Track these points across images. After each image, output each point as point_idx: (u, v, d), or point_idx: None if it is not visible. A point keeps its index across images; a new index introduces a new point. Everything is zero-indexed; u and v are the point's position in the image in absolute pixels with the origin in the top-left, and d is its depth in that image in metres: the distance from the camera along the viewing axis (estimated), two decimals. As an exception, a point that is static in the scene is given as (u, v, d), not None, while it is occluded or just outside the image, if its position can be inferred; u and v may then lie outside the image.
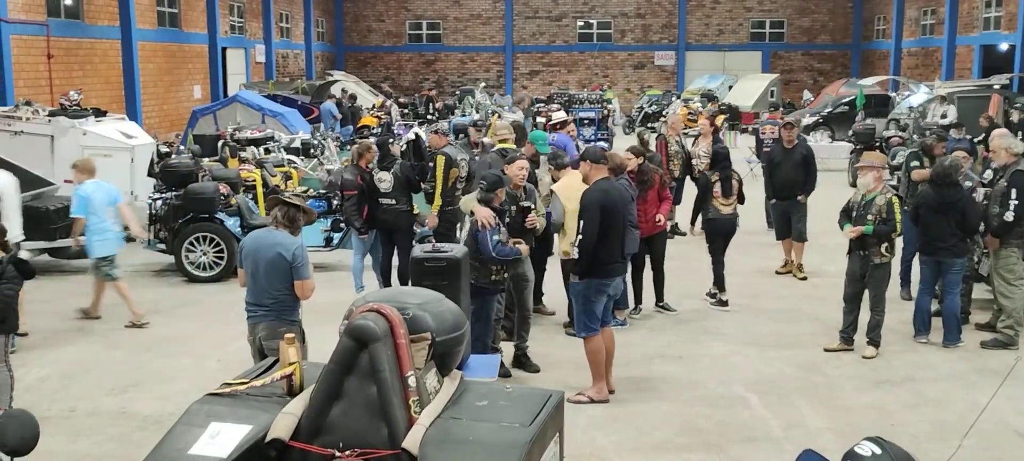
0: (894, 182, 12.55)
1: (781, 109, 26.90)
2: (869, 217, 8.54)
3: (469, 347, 4.27)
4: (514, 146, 10.85)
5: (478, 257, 7.50)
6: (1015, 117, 21.30)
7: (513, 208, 8.09)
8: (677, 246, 13.97)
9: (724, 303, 10.53)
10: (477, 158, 11.20)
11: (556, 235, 9.22)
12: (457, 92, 35.97)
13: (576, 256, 8.79)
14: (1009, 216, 8.76)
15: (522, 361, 8.45)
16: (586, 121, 25.05)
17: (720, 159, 10.76)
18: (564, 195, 8.81)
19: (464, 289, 6.74)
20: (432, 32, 46.19)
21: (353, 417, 3.60)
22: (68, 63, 23.14)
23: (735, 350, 9.00)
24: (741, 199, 10.76)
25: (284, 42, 39.42)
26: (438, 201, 10.32)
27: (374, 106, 29.12)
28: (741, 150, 22.41)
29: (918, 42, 37.47)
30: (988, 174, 10.05)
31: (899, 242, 8.86)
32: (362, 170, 10.48)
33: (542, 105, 27.33)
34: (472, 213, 7.73)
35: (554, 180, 9.48)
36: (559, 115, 15.41)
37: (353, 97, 29.14)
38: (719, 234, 10.58)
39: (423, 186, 10.73)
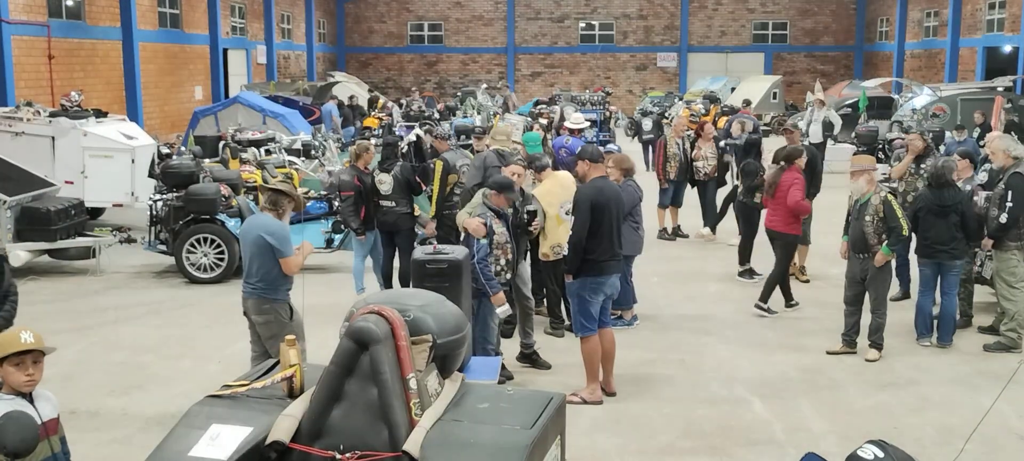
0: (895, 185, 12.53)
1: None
2: (867, 216, 8.53)
3: (470, 349, 4.26)
4: (511, 147, 10.69)
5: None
6: (1016, 118, 21.27)
7: (513, 212, 8.05)
8: (679, 248, 13.97)
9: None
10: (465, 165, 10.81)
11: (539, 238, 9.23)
12: (458, 93, 35.97)
13: (553, 258, 8.84)
14: (1003, 217, 8.76)
15: (533, 358, 8.44)
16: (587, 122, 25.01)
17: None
18: (545, 200, 8.82)
19: (465, 291, 6.73)
20: (433, 33, 46.20)
21: (354, 419, 3.59)
22: (69, 64, 23.16)
23: (738, 352, 8.97)
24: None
25: (285, 43, 39.44)
26: (433, 208, 10.26)
27: (376, 106, 29.15)
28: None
29: (921, 44, 37.45)
30: (983, 176, 10.05)
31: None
32: (360, 171, 10.46)
33: (544, 106, 27.29)
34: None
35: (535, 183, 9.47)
36: (577, 118, 15.04)
37: (351, 97, 29.18)
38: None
39: (425, 190, 10.68)
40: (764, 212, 11.68)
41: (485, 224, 7.50)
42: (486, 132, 12.82)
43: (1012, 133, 15.00)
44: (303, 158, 17.69)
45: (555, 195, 8.95)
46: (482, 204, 7.73)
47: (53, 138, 14.59)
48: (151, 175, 13.42)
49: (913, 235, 9.06)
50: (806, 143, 14.35)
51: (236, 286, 7.14)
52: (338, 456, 3.53)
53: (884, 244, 8.50)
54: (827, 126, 18.93)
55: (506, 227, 7.75)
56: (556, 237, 8.88)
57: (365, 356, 3.61)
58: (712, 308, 10.54)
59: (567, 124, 14.94)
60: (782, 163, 10.36)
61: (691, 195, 14.61)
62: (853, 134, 22.10)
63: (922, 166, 10.50)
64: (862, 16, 44.07)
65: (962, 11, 33.53)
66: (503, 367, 7.57)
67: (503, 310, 7.50)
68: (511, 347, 8.46)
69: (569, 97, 30.15)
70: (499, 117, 23.01)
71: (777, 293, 10.28)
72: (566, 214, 8.70)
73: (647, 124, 23.22)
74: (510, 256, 7.78)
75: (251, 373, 4.21)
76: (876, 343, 8.69)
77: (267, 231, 6.71)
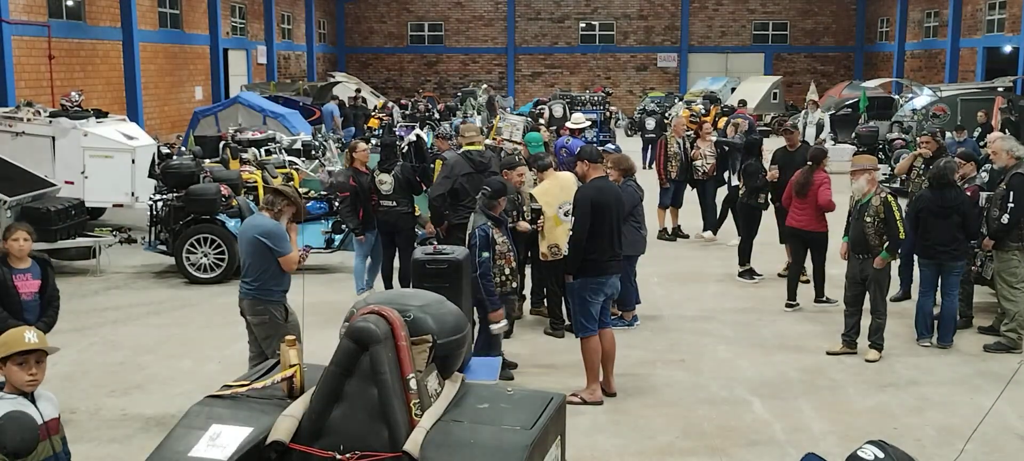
0: (897, 185, 12.53)
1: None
2: (867, 218, 8.53)
3: (470, 349, 4.26)
4: (482, 148, 10.52)
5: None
6: (1013, 117, 21.23)
7: (516, 213, 8.04)
8: (679, 248, 13.97)
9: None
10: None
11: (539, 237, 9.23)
12: (458, 93, 35.97)
13: (552, 259, 8.84)
14: (1005, 218, 8.76)
15: None
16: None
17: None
18: (543, 200, 8.81)
19: (465, 291, 6.72)
20: (434, 34, 46.18)
21: (354, 420, 3.59)
22: (69, 64, 23.15)
23: (738, 353, 8.97)
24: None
25: (286, 43, 39.43)
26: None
27: (376, 107, 29.18)
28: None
29: (921, 44, 37.45)
30: (984, 176, 10.04)
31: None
32: (356, 171, 10.44)
33: (545, 105, 27.35)
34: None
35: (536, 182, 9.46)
36: (578, 118, 15.23)
37: (353, 98, 29.22)
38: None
39: (425, 190, 10.67)
40: (764, 213, 11.73)
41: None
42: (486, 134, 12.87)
43: (1006, 132, 15.00)
44: (303, 158, 17.69)
45: (553, 195, 8.95)
46: (479, 212, 7.65)
47: (53, 138, 14.59)
48: (151, 175, 13.41)
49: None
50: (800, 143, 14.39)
51: (236, 286, 7.15)
52: (338, 456, 3.53)
53: (883, 250, 8.50)
54: (819, 128, 19.07)
55: (507, 235, 7.70)
56: (553, 237, 8.88)
57: (365, 356, 3.61)
58: (712, 308, 10.54)
59: (568, 124, 15.05)
60: (810, 163, 10.41)
61: (691, 195, 14.62)
62: (853, 134, 22.10)
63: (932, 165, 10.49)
64: (862, 16, 44.06)
65: (962, 11, 33.51)
66: (503, 367, 7.56)
67: (498, 327, 7.38)
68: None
69: (557, 95, 30.26)
70: (499, 118, 23.02)
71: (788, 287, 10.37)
72: (565, 215, 8.70)
73: (650, 123, 23.53)
74: (514, 265, 7.74)
75: (251, 373, 4.21)
76: (876, 343, 8.68)
77: (261, 232, 6.76)
